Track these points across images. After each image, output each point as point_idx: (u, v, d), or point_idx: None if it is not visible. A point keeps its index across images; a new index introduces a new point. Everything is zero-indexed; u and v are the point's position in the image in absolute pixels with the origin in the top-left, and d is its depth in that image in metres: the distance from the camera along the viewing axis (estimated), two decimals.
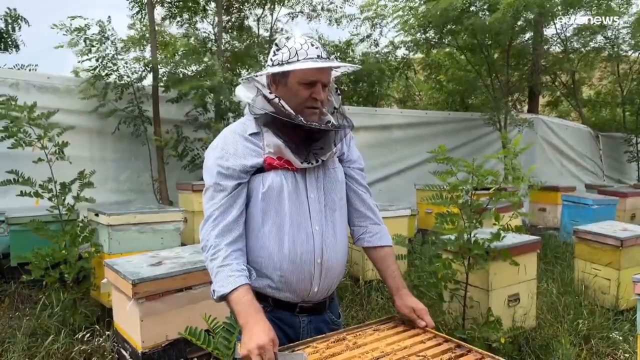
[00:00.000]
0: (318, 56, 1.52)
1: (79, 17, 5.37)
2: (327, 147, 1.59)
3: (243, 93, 1.65)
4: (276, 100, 1.55)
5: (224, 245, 1.50)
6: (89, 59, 5.48)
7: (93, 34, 5.45)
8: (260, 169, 1.56)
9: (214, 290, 1.47)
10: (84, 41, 5.39)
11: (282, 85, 1.55)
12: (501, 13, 6.96)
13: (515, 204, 2.92)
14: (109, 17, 5.58)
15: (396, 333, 1.56)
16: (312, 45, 1.54)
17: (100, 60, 5.51)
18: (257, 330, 1.34)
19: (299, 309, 1.62)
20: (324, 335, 1.53)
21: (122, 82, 5.65)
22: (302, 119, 1.52)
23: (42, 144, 3.70)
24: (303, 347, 1.46)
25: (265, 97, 1.58)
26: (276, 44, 1.58)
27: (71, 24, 5.36)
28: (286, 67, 1.50)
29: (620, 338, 3.55)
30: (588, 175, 11.36)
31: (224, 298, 1.44)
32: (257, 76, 1.61)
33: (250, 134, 1.60)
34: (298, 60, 1.50)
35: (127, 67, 5.72)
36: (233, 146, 1.57)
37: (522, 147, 2.83)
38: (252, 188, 1.57)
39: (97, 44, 5.47)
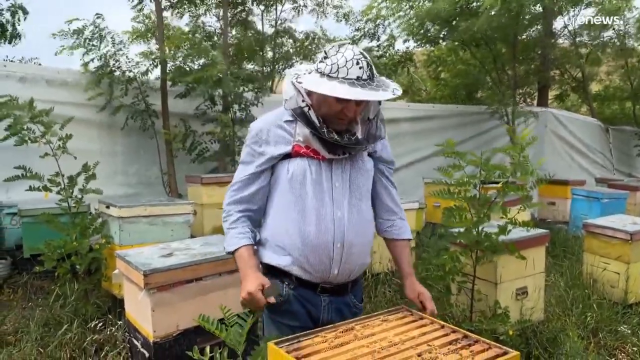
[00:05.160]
0: (358, 77, 1.54)
1: (76, 19, 5.39)
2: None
3: (286, 87, 1.72)
4: (306, 109, 1.64)
5: (235, 211, 1.73)
6: (92, 60, 5.51)
7: (92, 33, 5.44)
8: (287, 155, 1.67)
9: (224, 246, 1.73)
10: (84, 42, 5.41)
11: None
12: (485, 17, 6.98)
13: (524, 198, 2.92)
14: (98, 14, 5.53)
15: (404, 323, 1.58)
16: (357, 63, 1.54)
17: (101, 58, 5.53)
18: (249, 279, 1.58)
19: (320, 289, 1.72)
20: (333, 325, 1.55)
21: (126, 77, 5.67)
22: (325, 131, 1.62)
23: (47, 139, 3.75)
24: (312, 336, 1.48)
25: (297, 100, 1.67)
26: (325, 52, 1.62)
27: (69, 28, 5.39)
28: (315, 88, 1.55)
29: (629, 332, 3.55)
30: (598, 168, 11.26)
31: (230, 253, 1.70)
32: (298, 79, 1.64)
33: (285, 121, 1.71)
34: (337, 77, 1.54)
35: (129, 62, 5.73)
36: (266, 133, 1.70)
37: (528, 142, 2.82)
38: (279, 173, 1.70)
39: (97, 42, 5.48)
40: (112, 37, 5.60)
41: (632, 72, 11.66)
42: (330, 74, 1.55)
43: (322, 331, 1.52)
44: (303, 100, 1.66)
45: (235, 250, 1.67)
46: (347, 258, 1.69)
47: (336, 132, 1.64)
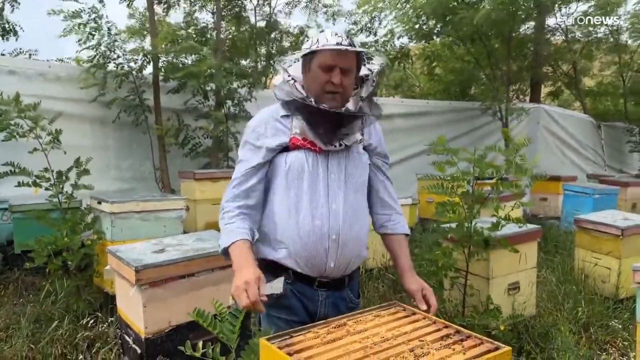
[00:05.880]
0: (338, 44, 1.60)
1: (74, 0, 5.32)
2: (352, 133, 1.69)
3: (277, 79, 1.80)
4: (291, 82, 1.68)
5: (234, 207, 1.68)
6: (88, 48, 5.45)
7: (89, 20, 5.39)
8: (285, 148, 1.69)
9: (219, 245, 1.65)
10: (79, 27, 5.34)
11: (308, 72, 1.67)
12: (485, 11, 7.00)
13: (517, 195, 2.94)
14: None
15: (396, 319, 1.58)
16: (336, 35, 1.64)
17: (97, 48, 5.47)
18: (246, 271, 1.49)
19: (317, 283, 1.72)
20: (325, 320, 1.55)
21: (122, 71, 5.63)
22: (312, 100, 1.63)
23: (36, 133, 3.72)
24: (304, 332, 1.47)
25: (284, 78, 1.70)
26: (307, 36, 1.68)
27: (68, 10, 5.32)
28: (297, 54, 1.65)
29: (620, 326, 3.57)
30: (590, 164, 11.34)
31: (226, 251, 1.62)
32: (283, 62, 1.72)
33: (282, 116, 1.72)
34: (317, 47, 1.61)
35: (125, 55, 5.69)
36: (264, 127, 1.72)
37: (524, 145, 2.83)
38: (276, 166, 1.70)
39: (94, 31, 5.42)
40: (109, 28, 5.55)
41: (625, 68, 11.71)
42: (310, 48, 1.63)
43: (314, 327, 1.51)
44: (289, 75, 1.69)
45: (230, 245, 1.60)
46: (342, 250, 1.69)
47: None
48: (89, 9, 5.39)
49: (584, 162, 11.21)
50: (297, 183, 1.67)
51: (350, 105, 1.67)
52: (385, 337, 1.43)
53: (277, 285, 1.51)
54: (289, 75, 1.69)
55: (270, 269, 1.68)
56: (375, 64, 1.74)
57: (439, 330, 1.49)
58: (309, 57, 1.65)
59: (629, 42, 11.13)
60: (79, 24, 5.34)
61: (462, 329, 1.48)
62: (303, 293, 1.72)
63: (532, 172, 2.83)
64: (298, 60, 1.70)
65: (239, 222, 1.65)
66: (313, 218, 1.65)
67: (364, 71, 1.74)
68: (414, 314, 1.61)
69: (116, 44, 5.60)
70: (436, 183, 2.96)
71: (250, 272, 1.48)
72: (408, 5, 8.81)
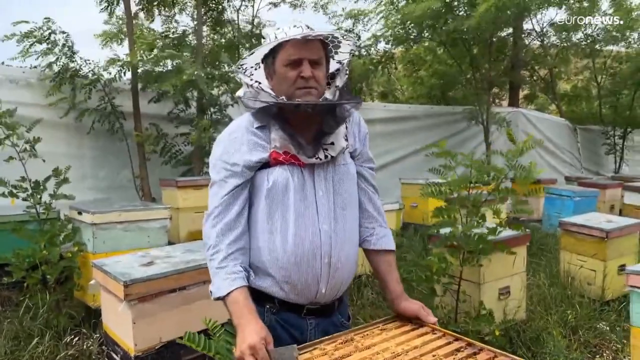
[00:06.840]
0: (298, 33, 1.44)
1: (24, 21, 5.14)
2: (337, 142, 1.53)
3: (239, 91, 1.58)
4: (255, 84, 1.50)
5: (224, 245, 1.48)
6: (49, 65, 5.27)
7: (42, 37, 5.21)
8: (265, 164, 1.50)
9: (211, 291, 1.47)
10: (30, 46, 5.19)
11: (274, 75, 1.50)
12: (477, 19, 7.04)
13: (524, 209, 2.96)
14: (47, 18, 5.26)
15: (404, 332, 1.53)
16: (295, 26, 1.47)
17: (58, 61, 5.31)
18: (249, 330, 1.34)
19: (305, 311, 1.56)
20: (330, 336, 1.49)
21: (88, 80, 5.45)
22: (284, 98, 1.45)
23: (12, 141, 3.60)
24: (310, 349, 1.41)
25: (247, 84, 1.52)
26: (263, 37, 1.55)
27: (20, 32, 5.14)
28: (260, 49, 1.47)
29: (607, 328, 3.60)
30: (566, 167, 11.55)
31: (220, 299, 1.45)
32: (242, 68, 1.54)
33: (257, 127, 1.53)
34: (278, 41, 1.44)
35: (89, 63, 5.53)
36: (239, 141, 1.52)
37: (530, 146, 2.83)
38: (257, 184, 1.52)
39: (51, 46, 5.25)
40: (65, 40, 5.38)
41: (599, 72, 11.98)
42: (270, 43, 1.48)
43: (320, 343, 1.45)
44: (251, 79, 1.51)
45: (227, 294, 1.42)
46: (334, 273, 1.53)
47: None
48: (39, 26, 5.22)
49: (561, 165, 11.41)
50: (282, 203, 1.49)
51: (328, 95, 1.51)
52: (396, 352, 1.38)
53: (290, 355, 1.35)
54: (251, 79, 1.51)
55: (254, 297, 1.48)
56: (345, 53, 1.58)
57: (449, 343, 1.44)
58: (270, 59, 1.48)
59: (604, 47, 11.38)
60: (33, 43, 5.18)
61: (473, 341, 1.44)
62: (290, 323, 1.56)
63: (535, 177, 2.84)
64: (259, 67, 1.53)
65: (231, 264, 1.46)
66: (303, 241, 1.49)
67: (334, 66, 1.58)
68: (421, 326, 1.56)
69: (75, 53, 5.43)
70: (434, 189, 2.93)
71: (254, 332, 1.33)
72: (395, 11, 8.79)
